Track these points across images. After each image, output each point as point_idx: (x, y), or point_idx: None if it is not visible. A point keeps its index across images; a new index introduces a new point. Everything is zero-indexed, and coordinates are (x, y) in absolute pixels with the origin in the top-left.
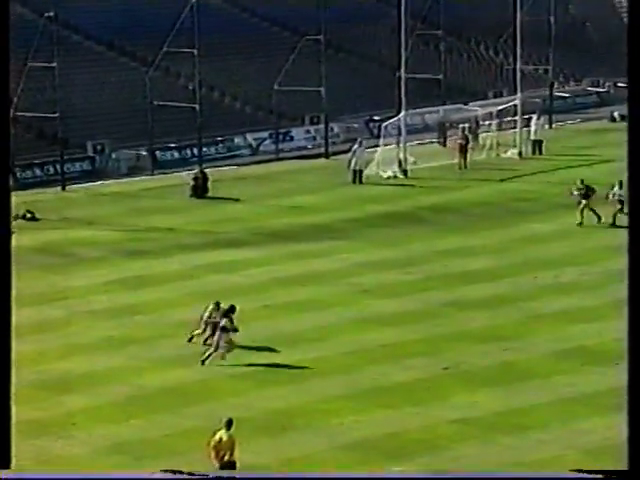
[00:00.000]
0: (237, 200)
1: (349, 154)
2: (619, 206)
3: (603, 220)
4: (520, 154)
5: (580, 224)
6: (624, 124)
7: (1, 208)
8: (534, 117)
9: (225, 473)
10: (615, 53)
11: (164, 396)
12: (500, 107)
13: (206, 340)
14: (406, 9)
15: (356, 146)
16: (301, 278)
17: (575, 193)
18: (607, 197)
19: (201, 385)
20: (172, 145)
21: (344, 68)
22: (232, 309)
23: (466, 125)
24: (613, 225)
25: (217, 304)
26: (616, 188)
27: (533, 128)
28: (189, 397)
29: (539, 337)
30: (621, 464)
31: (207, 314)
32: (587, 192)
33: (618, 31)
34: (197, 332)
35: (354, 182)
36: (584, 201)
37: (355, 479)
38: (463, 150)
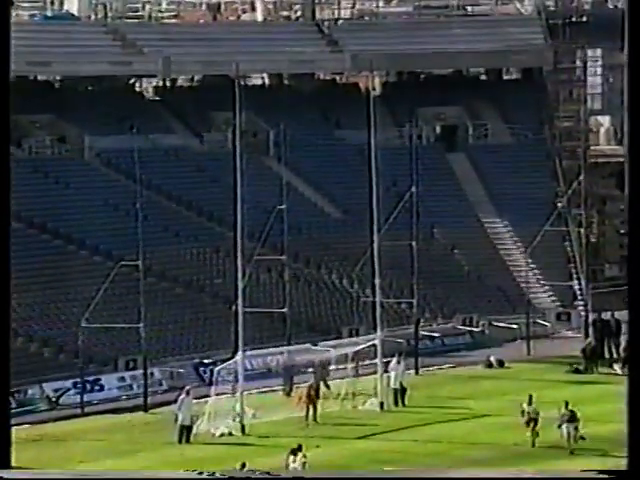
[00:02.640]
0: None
1: (174, 406)
2: None
3: None
4: (382, 405)
5: None
6: (501, 370)
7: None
8: (394, 360)
9: None
10: (489, 286)
11: None
12: (357, 348)
13: None
14: (243, 230)
15: (183, 396)
16: None
17: None
18: None
19: None
20: None
21: (168, 300)
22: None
23: (316, 369)
24: None
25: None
26: None
27: (393, 374)
28: None
29: None
30: None
31: None
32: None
33: (492, 261)
34: None
35: (180, 441)
36: None
37: (358, 479)
38: (312, 400)
